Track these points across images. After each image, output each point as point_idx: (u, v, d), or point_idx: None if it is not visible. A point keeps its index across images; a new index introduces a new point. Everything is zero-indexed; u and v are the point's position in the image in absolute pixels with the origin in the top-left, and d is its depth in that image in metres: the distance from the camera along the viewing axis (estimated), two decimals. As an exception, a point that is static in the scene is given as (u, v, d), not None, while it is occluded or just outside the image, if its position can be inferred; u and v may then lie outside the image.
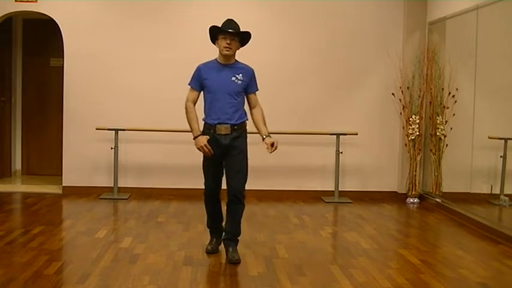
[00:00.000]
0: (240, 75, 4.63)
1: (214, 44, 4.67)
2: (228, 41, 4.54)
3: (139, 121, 7.38)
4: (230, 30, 4.55)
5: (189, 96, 4.70)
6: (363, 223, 6.21)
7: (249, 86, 4.71)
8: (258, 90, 4.79)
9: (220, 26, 4.58)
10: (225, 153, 4.64)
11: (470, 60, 6.42)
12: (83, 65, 7.47)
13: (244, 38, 4.67)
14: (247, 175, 4.70)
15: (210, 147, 4.57)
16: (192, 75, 4.71)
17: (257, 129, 4.75)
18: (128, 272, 4.33)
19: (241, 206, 4.71)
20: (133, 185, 7.51)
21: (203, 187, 4.83)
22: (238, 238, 4.79)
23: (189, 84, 4.72)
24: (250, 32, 4.67)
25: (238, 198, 4.65)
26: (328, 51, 7.63)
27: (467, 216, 6.28)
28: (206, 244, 4.93)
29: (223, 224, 4.90)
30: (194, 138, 4.64)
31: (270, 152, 4.68)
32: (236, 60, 4.71)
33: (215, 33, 4.61)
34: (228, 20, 4.64)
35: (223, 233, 4.84)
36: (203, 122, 4.70)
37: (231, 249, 4.68)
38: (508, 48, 5.86)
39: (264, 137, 4.68)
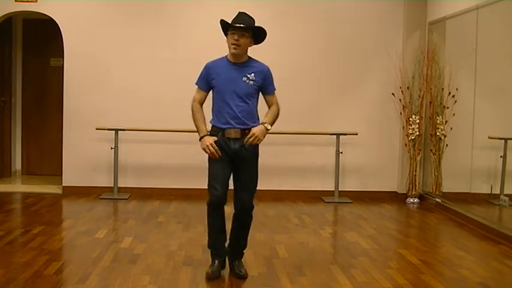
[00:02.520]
0: (252, 74, 4.16)
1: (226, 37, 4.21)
2: (236, 37, 4.07)
3: (139, 121, 7.38)
4: (237, 25, 4.06)
5: (195, 96, 4.26)
6: (363, 223, 6.21)
7: (264, 86, 4.23)
8: (275, 90, 4.31)
9: (231, 20, 4.13)
10: (234, 159, 4.17)
11: (470, 60, 6.42)
12: (83, 65, 7.47)
13: (258, 33, 4.19)
14: (256, 186, 4.28)
15: (216, 148, 4.10)
16: (199, 73, 4.27)
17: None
18: (128, 272, 4.32)
19: (250, 219, 4.31)
20: (133, 185, 7.51)
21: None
22: (244, 252, 4.41)
23: (195, 84, 4.29)
24: (265, 28, 4.23)
25: (247, 212, 4.25)
26: (328, 51, 7.63)
27: (467, 216, 6.28)
28: (207, 267, 4.31)
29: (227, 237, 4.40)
30: (200, 139, 4.17)
31: (245, 142, 4.09)
32: (249, 58, 4.24)
33: (225, 28, 4.15)
34: (239, 13, 4.17)
35: (227, 245, 4.36)
36: (211, 125, 4.25)
37: (237, 263, 4.31)
38: (508, 48, 5.86)
39: (261, 123, 4.20)
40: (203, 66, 4.26)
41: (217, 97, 4.19)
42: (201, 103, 4.27)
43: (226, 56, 4.22)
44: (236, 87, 4.12)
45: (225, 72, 4.16)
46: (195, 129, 4.41)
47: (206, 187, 4.24)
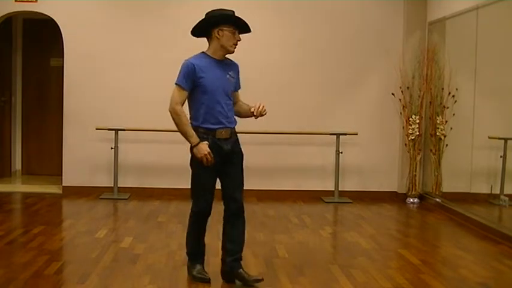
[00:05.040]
0: (231, 72, 4.11)
1: (207, 33, 4.03)
2: (239, 38, 4.03)
3: (139, 121, 7.38)
4: (247, 29, 4.06)
5: (177, 98, 3.97)
6: (363, 223, 6.21)
7: (236, 83, 4.18)
8: (240, 88, 4.27)
9: (231, 18, 4.01)
10: (225, 161, 4.06)
11: (470, 60, 6.42)
12: (83, 65, 7.47)
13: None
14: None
15: (212, 156, 3.97)
16: (181, 72, 4.00)
17: (243, 109, 4.20)
18: (128, 272, 4.33)
19: (243, 219, 4.17)
20: (134, 185, 7.51)
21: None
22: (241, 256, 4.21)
23: (177, 83, 3.99)
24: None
25: (242, 211, 4.13)
26: (328, 51, 7.63)
27: (467, 216, 6.28)
28: (194, 273, 4.16)
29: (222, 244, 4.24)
30: (194, 146, 3.96)
31: (257, 113, 4.03)
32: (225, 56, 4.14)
33: (222, 21, 3.98)
34: (236, 14, 4.06)
35: (227, 255, 4.14)
36: (193, 128, 4.04)
37: (242, 271, 4.10)
38: (508, 48, 5.86)
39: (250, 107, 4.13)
40: (184, 64, 4.01)
41: (205, 97, 4.00)
42: (183, 105, 4.03)
43: (205, 53, 4.08)
44: (224, 85, 4.04)
45: (212, 71, 4.02)
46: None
47: (191, 195, 4.13)
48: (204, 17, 4.09)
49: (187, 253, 4.26)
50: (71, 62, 7.48)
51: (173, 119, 4.01)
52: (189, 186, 4.15)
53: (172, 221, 6.10)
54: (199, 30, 4.08)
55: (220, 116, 4.03)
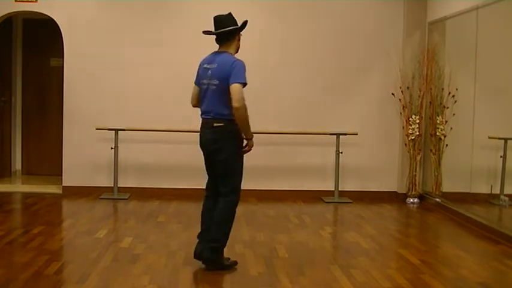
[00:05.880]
0: None
1: (237, 36, 4.38)
2: None
3: (139, 121, 7.38)
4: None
5: (243, 95, 4.22)
6: (363, 223, 6.21)
7: None
8: None
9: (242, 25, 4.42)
10: None
11: (470, 60, 6.42)
12: (83, 65, 7.47)
13: None
14: None
15: None
16: (242, 72, 4.24)
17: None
18: (128, 272, 4.33)
19: None
20: (134, 185, 7.51)
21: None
22: None
23: (245, 82, 4.23)
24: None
25: None
26: (328, 51, 7.63)
27: (467, 216, 6.28)
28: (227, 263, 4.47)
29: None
30: (252, 138, 4.39)
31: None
32: None
33: (242, 26, 4.39)
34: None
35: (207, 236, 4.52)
36: (231, 121, 4.34)
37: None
38: (508, 48, 5.86)
39: None
40: (242, 65, 4.26)
41: None
42: None
43: (232, 55, 4.36)
44: None
45: None
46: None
47: (235, 187, 4.40)
48: (214, 19, 4.35)
49: (221, 246, 4.43)
50: (71, 62, 7.48)
51: (242, 114, 4.21)
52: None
53: (172, 221, 6.10)
54: (228, 32, 4.33)
55: None
